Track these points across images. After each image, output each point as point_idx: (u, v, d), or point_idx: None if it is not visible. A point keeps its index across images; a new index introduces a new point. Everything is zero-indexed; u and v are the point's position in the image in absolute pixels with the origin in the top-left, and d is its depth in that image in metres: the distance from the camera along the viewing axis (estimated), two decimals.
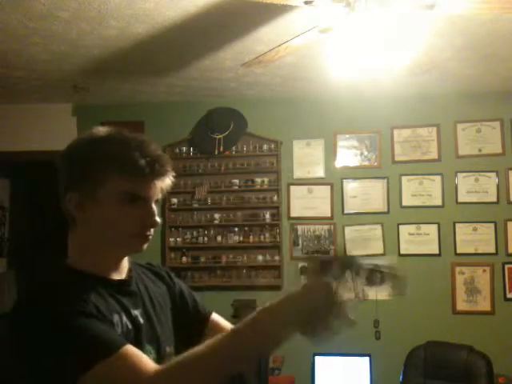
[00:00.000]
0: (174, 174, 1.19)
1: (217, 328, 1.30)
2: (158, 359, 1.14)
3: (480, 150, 4.03)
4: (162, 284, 1.31)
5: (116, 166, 1.12)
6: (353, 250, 3.82)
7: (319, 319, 0.98)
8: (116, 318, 1.10)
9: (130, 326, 1.12)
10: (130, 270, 1.23)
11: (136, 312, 1.16)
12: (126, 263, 1.22)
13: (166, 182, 1.17)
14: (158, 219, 1.16)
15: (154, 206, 1.16)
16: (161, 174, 1.15)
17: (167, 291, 1.31)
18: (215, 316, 1.36)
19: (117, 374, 0.98)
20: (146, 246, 1.18)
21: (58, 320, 1.01)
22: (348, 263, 1.07)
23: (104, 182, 1.12)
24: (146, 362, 1.00)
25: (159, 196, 1.18)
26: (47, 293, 1.07)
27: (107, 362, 0.97)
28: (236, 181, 4.16)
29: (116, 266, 1.19)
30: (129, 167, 1.12)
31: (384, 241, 4.04)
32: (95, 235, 1.15)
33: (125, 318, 1.12)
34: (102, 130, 1.19)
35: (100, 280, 1.14)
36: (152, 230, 1.17)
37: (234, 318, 3.61)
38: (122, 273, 1.20)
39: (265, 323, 0.98)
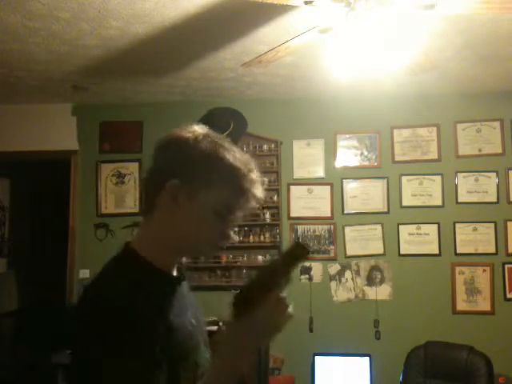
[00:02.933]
0: (261, 201, 1.22)
1: None
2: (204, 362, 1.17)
3: (480, 150, 4.03)
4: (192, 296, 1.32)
5: (231, 181, 1.13)
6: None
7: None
8: (177, 321, 1.11)
9: (189, 328, 1.14)
10: (179, 268, 1.23)
11: (188, 313, 1.18)
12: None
13: (254, 205, 1.19)
14: (233, 237, 1.18)
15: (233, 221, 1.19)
16: (254, 199, 1.17)
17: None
18: None
19: None
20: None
21: (120, 334, 1.00)
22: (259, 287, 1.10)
23: (213, 187, 1.12)
24: None
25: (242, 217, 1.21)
26: (121, 293, 1.05)
27: None
28: None
29: (175, 265, 1.20)
30: (240, 188, 1.13)
31: (384, 241, 4.04)
32: (174, 231, 1.14)
33: (184, 319, 1.14)
34: (215, 135, 1.19)
35: (166, 276, 1.15)
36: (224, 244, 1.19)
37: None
38: (174, 271, 1.21)
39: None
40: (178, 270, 1.21)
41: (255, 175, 1.17)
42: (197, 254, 1.22)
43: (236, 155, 1.16)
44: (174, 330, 1.07)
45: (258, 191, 1.17)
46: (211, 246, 1.18)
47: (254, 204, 1.18)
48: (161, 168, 1.16)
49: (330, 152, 4.16)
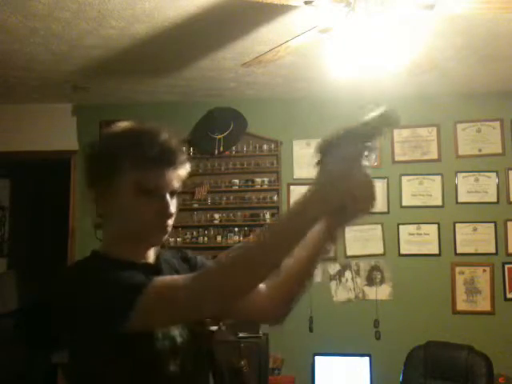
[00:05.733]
0: (187, 163, 1.18)
1: None
2: (191, 337, 1.18)
3: (480, 150, 4.03)
4: (186, 265, 1.33)
5: (127, 159, 1.12)
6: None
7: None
8: None
9: None
10: (157, 257, 1.25)
11: None
12: (152, 252, 1.24)
13: (179, 171, 1.16)
14: (172, 210, 1.15)
15: (168, 197, 1.15)
16: (172, 164, 1.14)
17: (189, 268, 1.34)
18: None
19: (155, 297, 1.03)
20: (165, 237, 1.19)
21: (100, 276, 1.07)
22: (355, 138, 1.08)
23: (118, 176, 1.13)
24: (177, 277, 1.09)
25: (175, 186, 1.16)
26: (86, 267, 1.14)
27: (144, 295, 1.02)
28: (236, 181, 4.15)
29: (144, 256, 1.21)
30: (139, 158, 1.11)
31: (384, 241, 4.04)
32: (119, 227, 1.17)
33: None
34: (118, 125, 1.19)
35: (132, 264, 1.17)
36: (169, 220, 1.17)
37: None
38: (149, 260, 1.23)
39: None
40: (156, 258, 1.25)
41: (159, 145, 1.13)
42: (150, 241, 1.21)
43: (132, 135, 1.16)
44: None
45: (172, 158, 1.14)
46: (155, 227, 1.16)
47: (177, 171, 1.15)
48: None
49: None
